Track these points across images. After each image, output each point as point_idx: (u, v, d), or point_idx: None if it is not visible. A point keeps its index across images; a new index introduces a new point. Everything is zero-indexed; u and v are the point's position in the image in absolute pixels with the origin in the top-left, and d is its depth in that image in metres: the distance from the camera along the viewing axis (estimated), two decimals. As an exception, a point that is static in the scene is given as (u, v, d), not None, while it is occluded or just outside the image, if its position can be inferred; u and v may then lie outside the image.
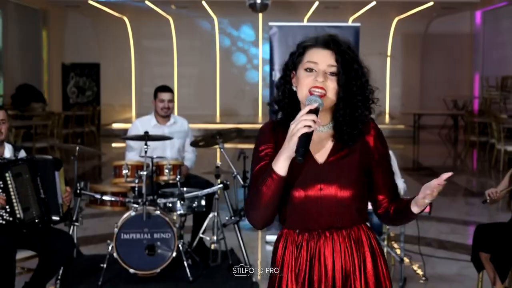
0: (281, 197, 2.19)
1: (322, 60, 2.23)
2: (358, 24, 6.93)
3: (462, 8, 19.38)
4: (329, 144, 2.29)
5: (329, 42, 2.25)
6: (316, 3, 17.99)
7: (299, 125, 2.08)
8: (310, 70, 2.23)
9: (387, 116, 20.89)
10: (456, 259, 6.31)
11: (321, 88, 2.19)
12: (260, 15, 18.89)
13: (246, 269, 5.75)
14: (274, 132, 2.31)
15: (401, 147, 16.86)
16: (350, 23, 19.98)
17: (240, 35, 21.57)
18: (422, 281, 5.75)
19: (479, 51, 20.49)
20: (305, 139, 2.09)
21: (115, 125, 19.31)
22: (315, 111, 2.13)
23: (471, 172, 13.01)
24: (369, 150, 2.31)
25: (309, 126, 2.08)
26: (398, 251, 6.04)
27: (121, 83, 21.35)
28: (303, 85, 2.23)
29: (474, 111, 17.62)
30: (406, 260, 6.17)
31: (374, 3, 17.52)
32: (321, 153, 2.28)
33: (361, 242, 2.29)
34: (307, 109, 2.12)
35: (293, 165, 2.13)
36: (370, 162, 2.31)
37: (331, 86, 2.22)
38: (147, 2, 18.08)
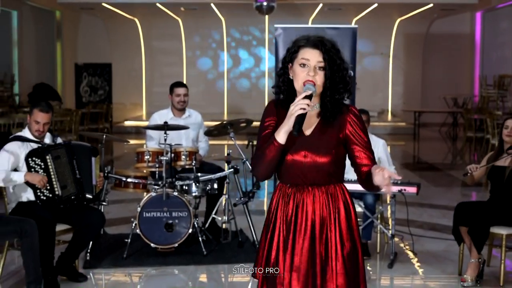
0: (279, 159, 2.90)
1: (312, 58, 2.91)
2: (355, 26, 7.56)
3: (460, 10, 19.98)
4: (316, 120, 2.98)
5: (317, 43, 2.93)
6: (320, 5, 18.61)
7: (296, 107, 2.79)
8: (303, 65, 2.92)
9: (389, 114, 21.54)
10: (444, 239, 6.95)
11: (312, 81, 2.88)
12: (267, 17, 19.52)
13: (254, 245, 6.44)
14: (277, 109, 3.02)
15: (402, 143, 17.51)
16: (353, 24, 20.65)
17: (247, 36, 22.22)
18: (411, 256, 6.43)
19: (478, 51, 21.12)
20: (300, 119, 2.81)
21: (127, 123, 19.97)
22: (309, 97, 2.82)
23: (466, 166, 13.63)
24: (344, 123, 2.96)
25: (304, 109, 2.78)
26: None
27: (132, 82, 22.02)
28: (299, 77, 2.92)
29: (473, 109, 18.23)
30: (396, 238, 6.86)
31: (376, 5, 18.15)
32: (309, 127, 2.97)
33: (337, 196, 2.97)
34: (303, 95, 2.82)
35: (289, 135, 2.84)
36: (346, 137, 2.96)
37: (319, 78, 2.91)
38: (158, 4, 18.74)
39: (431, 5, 18.06)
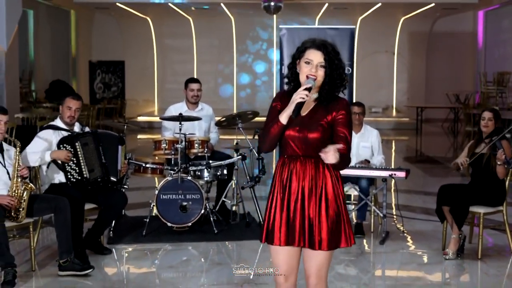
0: (280, 135, 3.62)
1: (315, 58, 3.62)
2: (353, 27, 8.25)
3: (462, 9, 20.57)
4: (312, 105, 3.68)
5: (320, 46, 3.63)
6: (326, 5, 19.24)
7: (297, 96, 3.52)
8: (308, 63, 3.63)
9: (393, 110, 22.19)
10: (433, 220, 7.59)
11: (314, 75, 3.59)
12: (275, 16, 20.16)
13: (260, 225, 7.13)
14: (282, 96, 3.73)
15: (406, 138, 18.18)
16: (358, 23, 21.30)
17: (255, 35, 22.89)
18: (401, 234, 7.12)
19: (481, 48, 21.72)
20: (299, 105, 3.54)
21: (140, 118, 20.67)
22: (309, 89, 3.53)
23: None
24: (336, 112, 3.65)
25: (303, 98, 3.51)
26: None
27: (144, 79, 22.72)
28: (303, 72, 3.64)
29: (474, 105, 18.83)
30: (398, 224, 7.55)
31: (379, 4, 18.78)
32: (306, 109, 3.67)
33: (323, 168, 3.62)
34: (304, 87, 3.55)
35: (290, 117, 3.56)
36: (334, 120, 3.63)
37: (320, 74, 3.62)
38: (169, 4, 19.44)
39: (432, 4, 18.68)
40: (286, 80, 3.76)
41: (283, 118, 3.56)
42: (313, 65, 3.59)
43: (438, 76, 22.02)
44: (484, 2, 19.21)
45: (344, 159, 3.55)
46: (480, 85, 19.76)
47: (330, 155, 3.41)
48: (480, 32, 21.80)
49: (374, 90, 22.00)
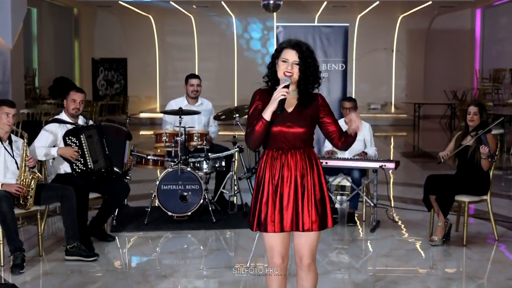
0: (266, 132, 3.92)
1: (290, 57, 3.95)
2: (347, 25, 8.53)
3: (459, 7, 20.85)
4: (295, 102, 4.01)
5: (295, 45, 3.97)
6: (325, 3, 19.51)
7: (278, 94, 3.84)
8: (284, 61, 3.96)
9: (392, 106, 22.47)
10: (422, 210, 7.89)
11: (290, 72, 3.92)
12: (274, 14, 20.44)
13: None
14: (262, 95, 4.04)
15: (404, 134, 18.47)
16: (357, 21, 21.61)
17: (255, 33, 23.17)
18: (392, 223, 7.44)
19: (479, 46, 22.00)
20: (282, 102, 3.86)
21: (142, 115, 20.97)
22: (287, 86, 3.85)
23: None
24: (317, 108, 3.99)
25: (284, 95, 3.83)
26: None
27: (146, 76, 23.00)
28: (281, 69, 3.97)
29: (471, 101, 19.10)
30: (393, 213, 7.86)
31: (378, 2, 19.05)
32: (290, 106, 3.99)
33: (311, 156, 3.99)
34: (282, 85, 3.88)
35: (274, 114, 3.87)
36: (318, 114, 3.99)
37: (295, 71, 3.95)
38: (171, 2, 19.74)
39: (430, 2, 18.96)
40: (265, 78, 4.06)
41: (267, 115, 3.84)
42: (289, 63, 3.91)
43: (436, 73, 22.29)
44: (481, 0, 19.47)
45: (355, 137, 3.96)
46: (476, 82, 20.06)
47: (357, 121, 3.83)
48: (478, 29, 22.08)
49: (373, 87, 22.31)
